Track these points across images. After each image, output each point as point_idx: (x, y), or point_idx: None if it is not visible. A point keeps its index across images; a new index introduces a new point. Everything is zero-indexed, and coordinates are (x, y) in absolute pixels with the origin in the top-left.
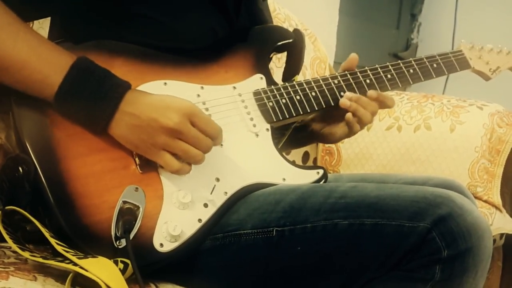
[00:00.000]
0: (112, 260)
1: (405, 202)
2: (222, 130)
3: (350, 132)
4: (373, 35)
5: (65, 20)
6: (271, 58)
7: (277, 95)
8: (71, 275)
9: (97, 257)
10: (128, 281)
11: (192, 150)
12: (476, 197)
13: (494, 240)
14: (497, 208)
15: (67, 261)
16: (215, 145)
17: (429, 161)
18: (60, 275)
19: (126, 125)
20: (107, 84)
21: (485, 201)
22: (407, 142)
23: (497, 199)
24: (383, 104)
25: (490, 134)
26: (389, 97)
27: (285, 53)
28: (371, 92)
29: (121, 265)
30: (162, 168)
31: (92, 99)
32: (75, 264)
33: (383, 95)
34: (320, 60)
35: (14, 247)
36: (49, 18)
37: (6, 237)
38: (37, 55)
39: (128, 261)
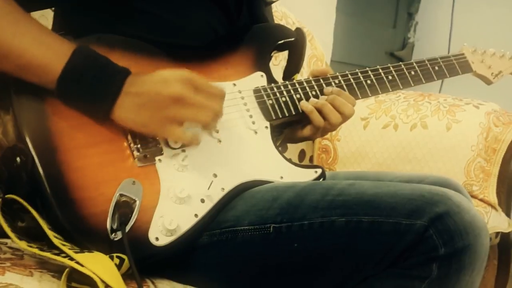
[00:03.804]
0: (108, 255)
1: (402, 200)
2: (222, 126)
3: (317, 132)
4: (370, 33)
5: (67, 14)
6: (272, 56)
7: (277, 93)
8: (67, 270)
9: (93, 252)
10: (124, 276)
11: (201, 113)
12: (472, 196)
13: (490, 239)
14: (492, 207)
15: (63, 255)
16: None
17: (425, 159)
18: (56, 271)
19: (131, 105)
20: (109, 69)
21: (481, 200)
22: (404, 141)
23: (493, 198)
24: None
25: (487, 133)
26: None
27: (282, 51)
28: (327, 88)
29: (116, 260)
30: (160, 163)
31: (94, 83)
32: (71, 259)
33: (343, 94)
34: (317, 58)
35: (12, 235)
36: (45, 16)
37: (4, 225)
38: (39, 42)
39: (124, 256)
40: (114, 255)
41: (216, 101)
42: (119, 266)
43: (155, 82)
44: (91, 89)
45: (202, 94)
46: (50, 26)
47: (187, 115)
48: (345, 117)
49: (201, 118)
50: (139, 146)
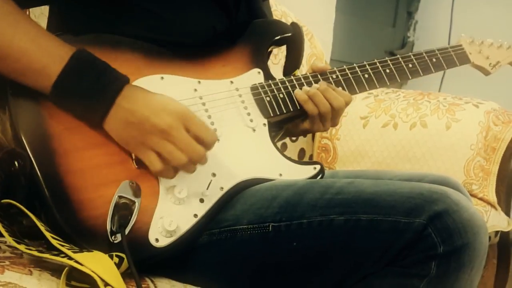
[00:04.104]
0: (107, 254)
1: (401, 198)
2: (220, 125)
3: (314, 122)
4: (369, 32)
5: (63, 13)
6: (270, 52)
7: (275, 90)
8: (66, 269)
9: (92, 251)
10: (124, 275)
11: (177, 152)
12: (471, 195)
13: (489, 238)
14: (492, 205)
15: (62, 255)
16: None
17: (425, 158)
18: (55, 270)
19: (120, 120)
20: (106, 77)
21: (480, 199)
22: (403, 140)
23: (492, 197)
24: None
25: (486, 132)
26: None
27: (280, 49)
28: (321, 83)
29: (116, 259)
30: None
31: (89, 91)
32: (70, 258)
33: (336, 89)
34: (316, 57)
35: (10, 240)
36: (45, 14)
37: (2, 230)
38: (36, 45)
39: (123, 255)
40: (114, 254)
41: (202, 146)
42: (118, 265)
43: (150, 107)
44: (85, 97)
45: (190, 135)
46: None
47: (165, 149)
48: (333, 110)
49: (176, 157)
50: None
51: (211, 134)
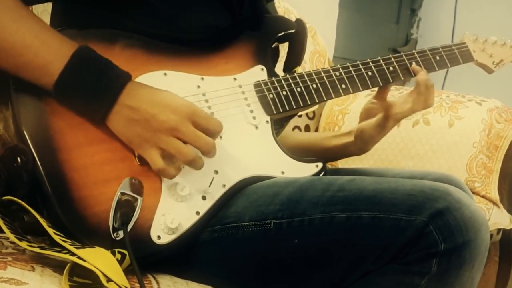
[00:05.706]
0: (109, 250)
1: (402, 196)
2: (222, 122)
3: (383, 127)
4: (372, 29)
5: (66, 7)
6: (276, 48)
7: (278, 87)
8: (68, 265)
9: (95, 247)
10: (126, 272)
11: (184, 148)
12: (473, 192)
13: (491, 236)
14: (494, 203)
15: (64, 251)
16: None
17: (427, 156)
18: (58, 266)
19: (123, 118)
20: (108, 74)
21: (483, 197)
22: (406, 137)
23: (495, 195)
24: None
25: (489, 130)
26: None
27: (283, 46)
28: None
29: (118, 256)
30: None
31: (91, 89)
32: (73, 254)
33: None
34: (319, 54)
35: (12, 237)
36: (47, 10)
37: (4, 227)
38: (40, 41)
39: (125, 251)
40: (116, 250)
41: (211, 137)
42: (120, 261)
43: (155, 104)
44: (87, 95)
45: (198, 129)
46: None
47: (171, 146)
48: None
49: (183, 152)
50: None
51: (218, 123)
